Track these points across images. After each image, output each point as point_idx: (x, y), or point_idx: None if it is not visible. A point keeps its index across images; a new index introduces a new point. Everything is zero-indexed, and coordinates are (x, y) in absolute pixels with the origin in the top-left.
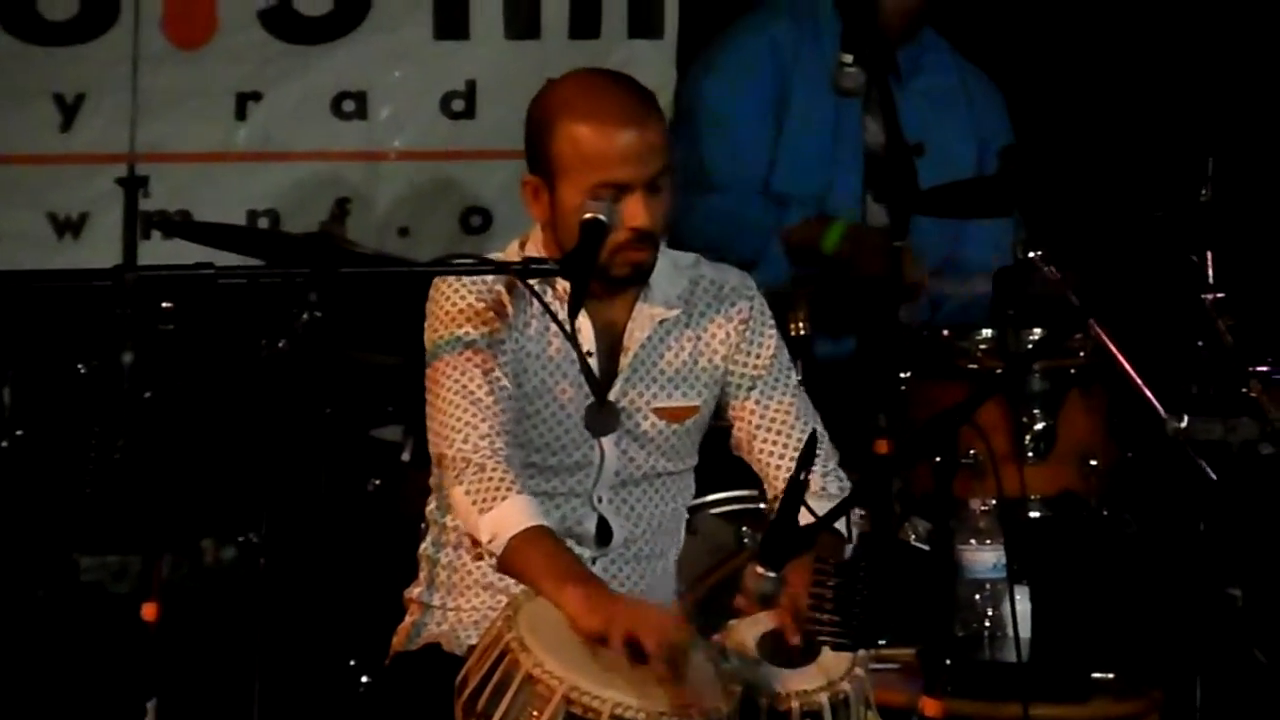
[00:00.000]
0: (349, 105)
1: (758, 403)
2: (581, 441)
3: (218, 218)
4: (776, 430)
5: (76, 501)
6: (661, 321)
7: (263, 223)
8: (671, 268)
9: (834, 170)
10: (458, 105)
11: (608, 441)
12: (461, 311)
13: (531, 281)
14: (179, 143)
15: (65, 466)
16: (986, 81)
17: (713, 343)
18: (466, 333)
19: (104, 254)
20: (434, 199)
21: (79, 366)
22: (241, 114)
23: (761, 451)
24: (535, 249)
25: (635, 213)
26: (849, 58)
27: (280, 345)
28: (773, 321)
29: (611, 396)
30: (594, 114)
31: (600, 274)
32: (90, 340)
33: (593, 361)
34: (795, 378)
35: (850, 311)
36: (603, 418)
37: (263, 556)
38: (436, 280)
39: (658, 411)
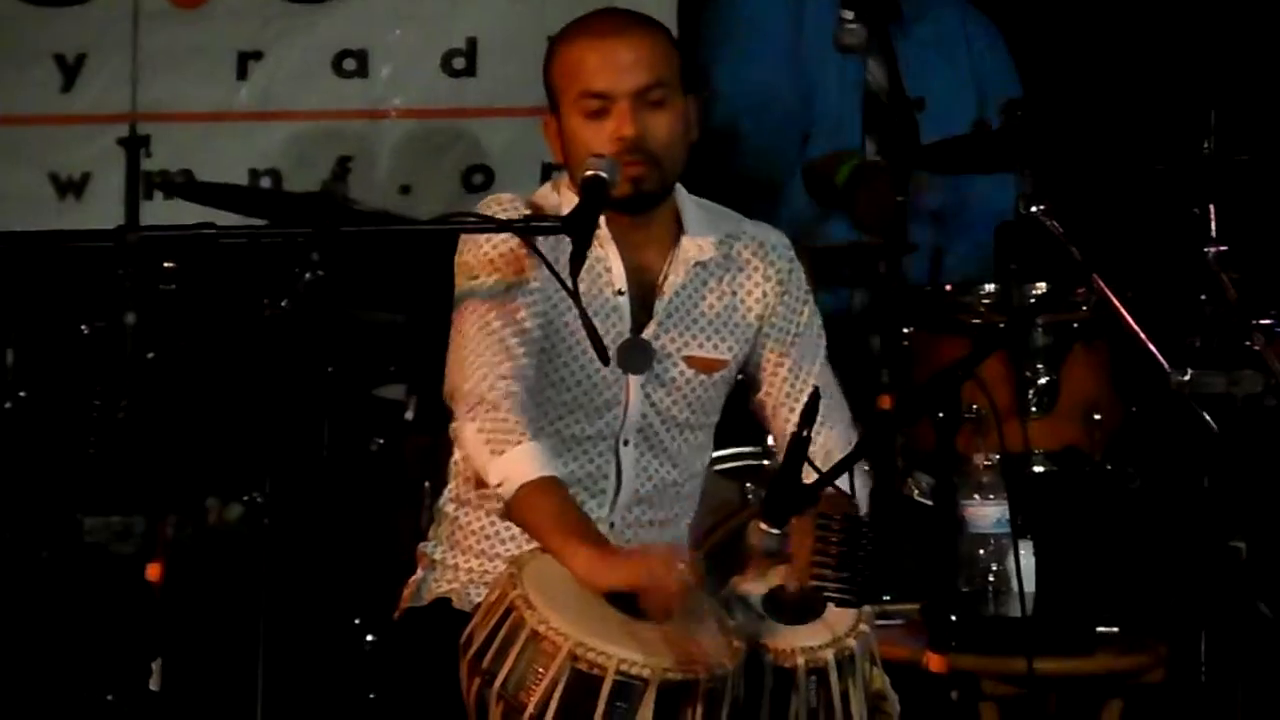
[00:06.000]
0: (350, 64)
1: (790, 371)
2: (612, 381)
3: (219, 177)
4: (803, 401)
5: (80, 462)
6: (699, 265)
7: (264, 182)
8: (707, 213)
9: (834, 120)
10: (459, 63)
11: (634, 384)
12: (489, 257)
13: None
14: (180, 102)
15: (69, 427)
16: (988, 24)
17: (748, 299)
18: (494, 276)
19: (106, 214)
20: (436, 157)
21: (82, 327)
22: (243, 73)
23: (787, 421)
24: (566, 190)
25: (620, 124)
26: (849, 14)
27: (282, 304)
28: (809, 289)
29: (645, 337)
30: (581, 32)
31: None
32: (93, 301)
33: (624, 300)
34: (825, 350)
35: (851, 267)
36: (635, 354)
37: (266, 516)
38: (466, 237)
39: (688, 360)
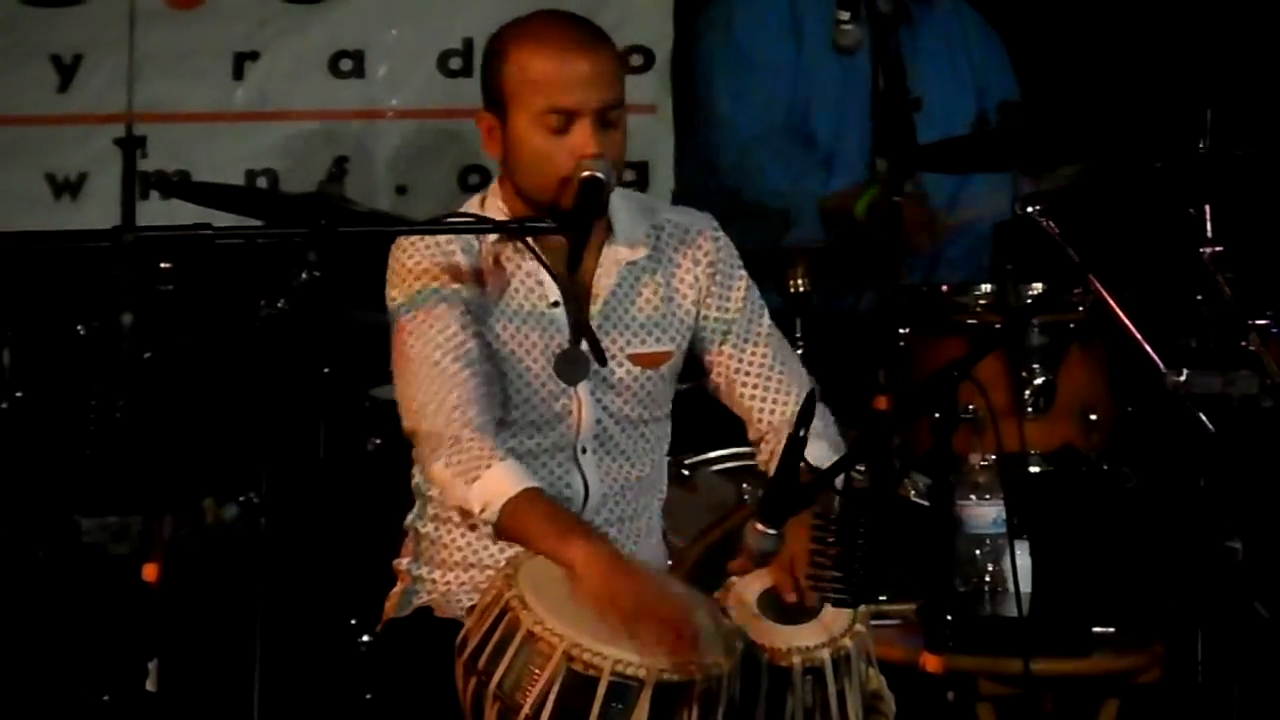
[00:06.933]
0: (346, 64)
1: (735, 347)
2: (559, 393)
3: (216, 178)
4: (756, 373)
5: (77, 463)
6: (629, 264)
7: (261, 182)
8: (634, 209)
9: (838, 121)
10: (455, 63)
11: (583, 390)
12: (425, 272)
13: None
14: (177, 103)
15: (65, 428)
16: (984, 26)
17: (681, 287)
18: (429, 294)
19: (102, 214)
20: (432, 157)
21: (78, 327)
22: (239, 73)
23: (742, 396)
24: (495, 199)
25: (585, 141)
26: (845, 15)
27: (279, 305)
28: (740, 262)
29: (583, 346)
30: (542, 41)
31: (551, 210)
32: (89, 301)
33: (559, 311)
34: (768, 318)
35: (851, 269)
36: (573, 364)
37: (263, 516)
38: (396, 241)
39: (632, 358)
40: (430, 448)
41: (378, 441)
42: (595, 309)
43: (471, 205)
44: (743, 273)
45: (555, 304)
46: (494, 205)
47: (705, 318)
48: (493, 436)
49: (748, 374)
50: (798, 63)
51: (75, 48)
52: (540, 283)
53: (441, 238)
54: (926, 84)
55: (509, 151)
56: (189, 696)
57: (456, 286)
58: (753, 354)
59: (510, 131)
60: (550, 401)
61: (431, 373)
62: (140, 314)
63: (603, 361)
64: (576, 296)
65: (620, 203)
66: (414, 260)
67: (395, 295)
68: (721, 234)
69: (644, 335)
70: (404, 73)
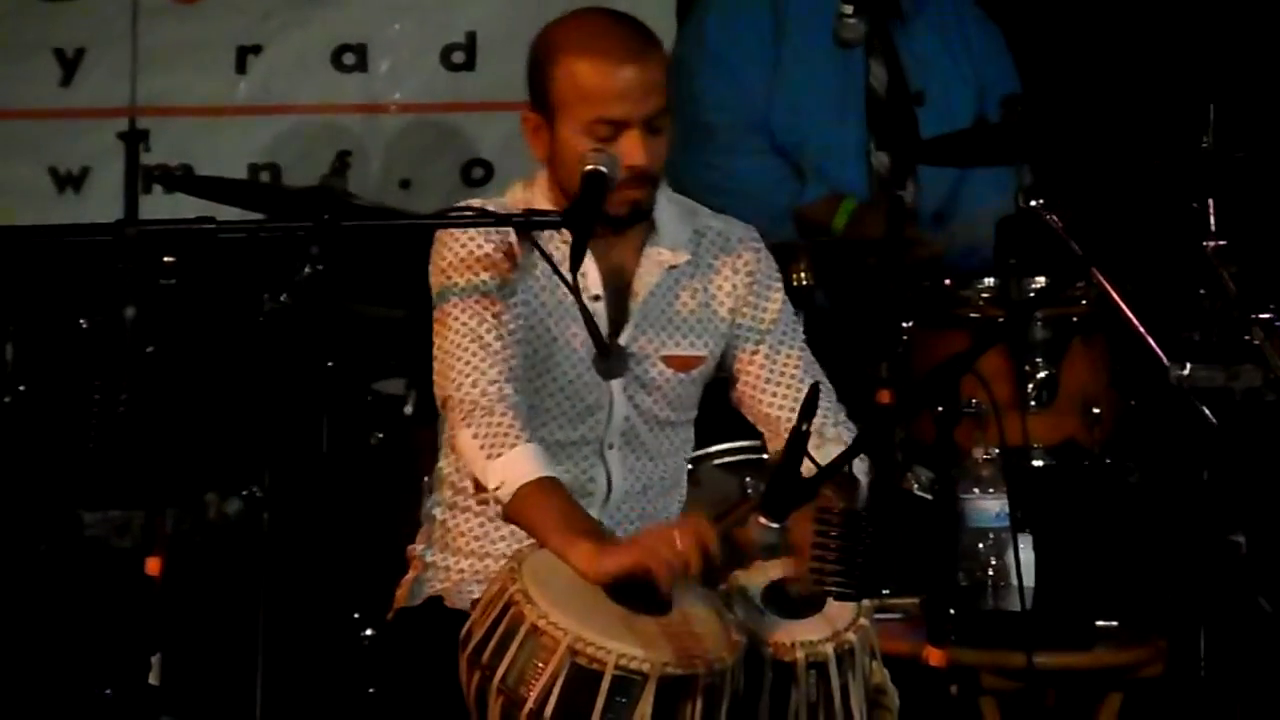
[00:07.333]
0: (349, 58)
1: (767, 356)
2: (594, 386)
3: (219, 171)
4: (786, 384)
5: (79, 457)
6: (671, 268)
7: (264, 176)
8: (677, 211)
9: (834, 117)
10: (458, 57)
11: (616, 387)
12: (470, 259)
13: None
14: (179, 96)
15: (68, 422)
16: (984, 20)
17: (719, 294)
18: (476, 278)
19: (105, 208)
20: (435, 151)
21: (81, 321)
22: (242, 67)
23: (770, 405)
24: (541, 191)
25: (632, 151)
26: (849, 8)
27: (282, 299)
28: (779, 274)
29: (621, 342)
30: (592, 50)
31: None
32: (92, 295)
33: (600, 305)
34: (802, 334)
35: (852, 267)
36: (611, 361)
37: (266, 511)
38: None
39: (666, 359)
40: (461, 415)
41: (380, 436)
42: (635, 307)
43: (515, 189)
44: (780, 285)
45: (597, 298)
46: (541, 195)
47: (739, 325)
48: (524, 418)
49: (778, 384)
50: (776, 68)
51: (78, 41)
52: (584, 274)
53: None
54: (926, 80)
55: (555, 154)
56: (192, 691)
57: (506, 273)
58: (784, 364)
59: (557, 135)
60: (585, 394)
61: (473, 345)
62: (143, 308)
63: (605, 354)
64: (618, 291)
65: (666, 204)
66: (467, 248)
67: (447, 278)
68: (762, 245)
69: (679, 338)
70: (407, 67)
